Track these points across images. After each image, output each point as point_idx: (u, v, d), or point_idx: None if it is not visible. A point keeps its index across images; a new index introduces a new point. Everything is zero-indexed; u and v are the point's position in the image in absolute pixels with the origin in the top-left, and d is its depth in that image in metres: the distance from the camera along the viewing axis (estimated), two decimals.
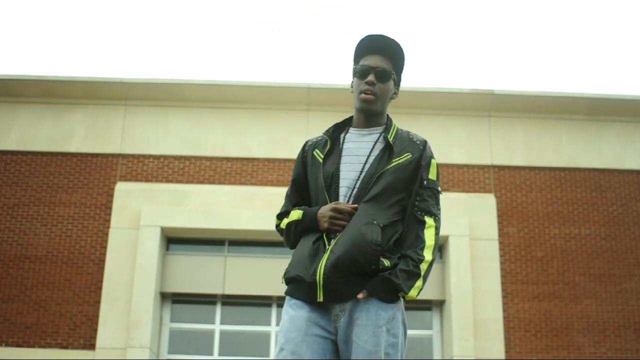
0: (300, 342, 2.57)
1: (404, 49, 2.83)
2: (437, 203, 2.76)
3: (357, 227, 2.60)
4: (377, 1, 28.88)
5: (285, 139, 13.05)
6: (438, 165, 2.82)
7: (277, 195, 12.53)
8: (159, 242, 12.30)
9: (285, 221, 2.82)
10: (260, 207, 12.52)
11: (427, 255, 2.66)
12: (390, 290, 2.59)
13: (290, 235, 2.78)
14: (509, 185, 13.08)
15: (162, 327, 12.46)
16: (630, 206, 13.05)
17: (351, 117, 2.91)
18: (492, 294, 12.31)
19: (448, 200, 12.72)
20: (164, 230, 12.47)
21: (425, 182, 2.73)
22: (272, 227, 12.21)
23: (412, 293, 2.63)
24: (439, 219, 2.74)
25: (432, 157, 2.79)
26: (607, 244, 12.79)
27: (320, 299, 2.58)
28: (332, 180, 2.73)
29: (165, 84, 13.19)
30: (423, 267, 2.65)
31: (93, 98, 13.25)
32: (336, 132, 2.88)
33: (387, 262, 2.61)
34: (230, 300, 12.67)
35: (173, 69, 29.94)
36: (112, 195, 12.71)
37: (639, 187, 13.19)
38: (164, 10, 29.25)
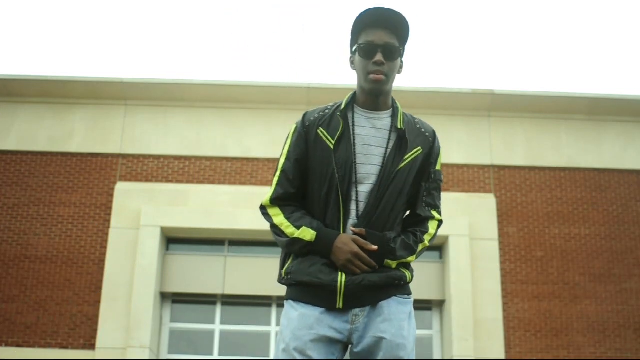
0: (309, 342, 2.45)
1: (408, 20, 2.61)
2: (440, 193, 2.71)
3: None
4: (377, 1, 28.85)
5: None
6: None
7: None
8: (159, 242, 12.30)
9: (292, 231, 2.54)
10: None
11: (427, 240, 2.64)
12: (385, 251, 2.51)
13: (293, 249, 2.56)
14: (509, 185, 13.08)
15: (162, 327, 12.46)
16: (630, 206, 13.05)
17: (354, 94, 2.66)
18: (492, 294, 12.31)
19: (448, 200, 12.70)
20: (164, 230, 12.47)
21: (433, 175, 2.64)
22: None
23: (394, 263, 2.55)
24: (441, 210, 2.72)
25: (440, 148, 2.69)
26: (607, 244, 12.79)
27: (340, 305, 2.47)
28: (347, 172, 2.50)
29: (165, 84, 13.18)
30: (419, 247, 2.61)
31: (93, 98, 13.25)
32: (344, 111, 2.60)
33: (409, 276, 2.62)
34: (230, 300, 12.66)
35: (173, 69, 29.95)
36: (112, 195, 12.71)
37: (639, 187, 13.19)
38: (163, 10, 29.26)
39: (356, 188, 2.51)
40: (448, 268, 12.38)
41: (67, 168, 12.94)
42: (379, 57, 2.53)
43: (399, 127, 2.57)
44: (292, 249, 2.56)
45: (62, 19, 29.82)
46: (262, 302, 12.65)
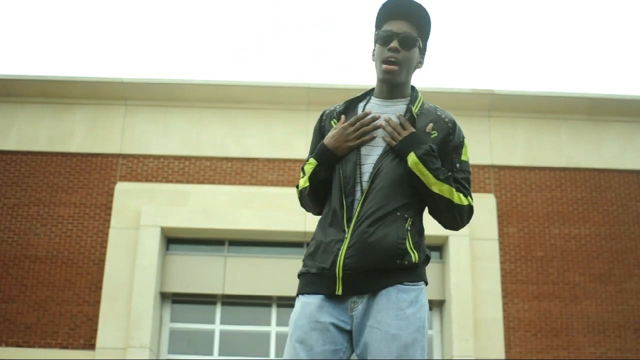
0: (310, 330, 2.40)
1: (430, 15, 2.62)
2: (470, 184, 2.59)
3: (380, 220, 2.42)
4: (377, 1, 28.87)
5: (285, 139, 13.05)
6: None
7: (277, 196, 12.52)
8: (159, 242, 12.30)
9: (303, 180, 2.61)
10: (260, 207, 12.51)
11: (456, 196, 2.51)
12: (418, 135, 2.47)
13: (315, 182, 2.56)
14: (509, 185, 13.08)
15: (162, 327, 12.46)
16: (630, 206, 13.05)
17: (373, 89, 2.70)
18: (492, 294, 12.31)
19: None
20: (164, 230, 12.47)
21: (458, 165, 2.56)
22: (273, 227, 12.01)
23: (413, 162, 2.44)
24: (472, 198, 2.61)
25: (464, 137, 2.60)
26: (607, 244, 12.79)
27: (339, 292, 2.41)
28: (352, 151, 2.53)
29: (165, 84, 13.18)
30: (447, 189, 2.47)
31: (93, 98, 13.25)
32: (354, 102, 2.69)
33: (414, 256, 2.47)
34: (230, 300, 12.66)
35: (173, 69, 29.95)
36: (112, 195, 12.71)
37: (639, 187, 13.19)
38: (164, 10, 29.27)
39: (360, 161, 2.51)
40: (448, 268, 12.38)
41: (67, 168, 12.94)
42: (394, 44, 2.55)
43: (414, 111, 2.56)
44: (315, 184, 2.57)
45: (62, 19, 29.82)
46: (262, 302, 12.65)
